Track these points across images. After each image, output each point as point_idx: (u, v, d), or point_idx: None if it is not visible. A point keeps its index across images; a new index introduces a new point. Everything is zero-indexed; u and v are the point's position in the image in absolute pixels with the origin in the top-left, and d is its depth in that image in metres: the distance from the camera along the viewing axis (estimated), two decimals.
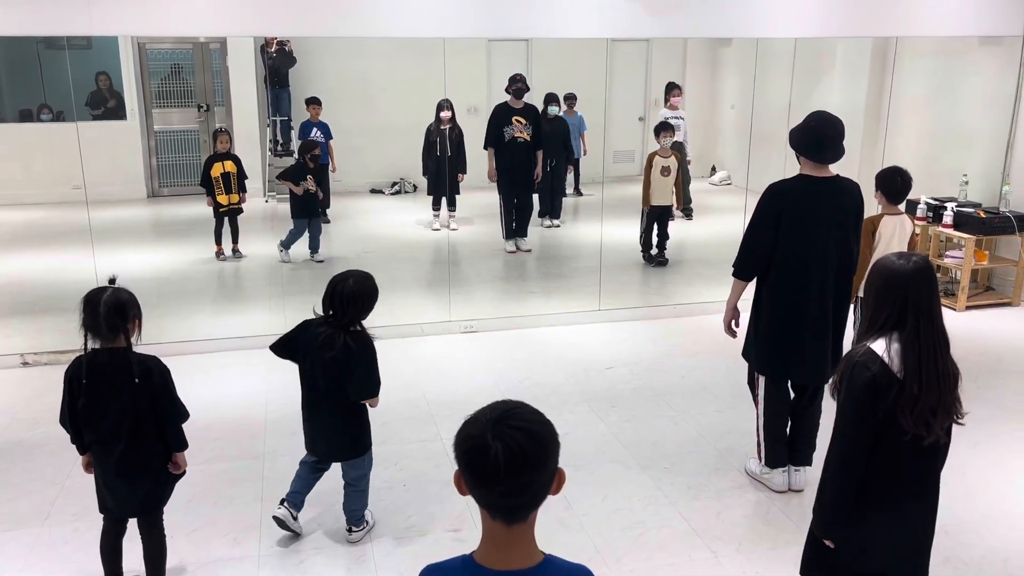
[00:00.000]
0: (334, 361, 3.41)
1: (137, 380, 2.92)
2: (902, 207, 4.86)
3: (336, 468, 3.74)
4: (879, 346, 2.39)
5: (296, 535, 3.69)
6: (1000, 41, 7.10)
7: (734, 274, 3.99)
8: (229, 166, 7.49)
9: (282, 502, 3.68)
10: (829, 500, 2.52)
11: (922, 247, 7.25)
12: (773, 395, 4.03)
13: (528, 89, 7.91)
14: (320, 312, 3.49)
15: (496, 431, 1.46)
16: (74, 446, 3.12)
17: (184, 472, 3.21)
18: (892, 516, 2.49)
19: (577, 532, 3.76)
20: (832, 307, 3.86)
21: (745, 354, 4.13)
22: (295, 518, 3.67)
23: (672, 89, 8.90)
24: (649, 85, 9.84)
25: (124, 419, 2.95)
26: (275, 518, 3.64)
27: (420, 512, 3.93)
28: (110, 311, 2.90)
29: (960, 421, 2.48)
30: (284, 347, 3.58)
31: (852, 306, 4.92)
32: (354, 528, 3.70)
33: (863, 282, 4.90)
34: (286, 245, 7.61)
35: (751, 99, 7.36)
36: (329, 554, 3.63)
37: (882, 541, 2.51)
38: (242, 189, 7.58)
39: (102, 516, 3.21)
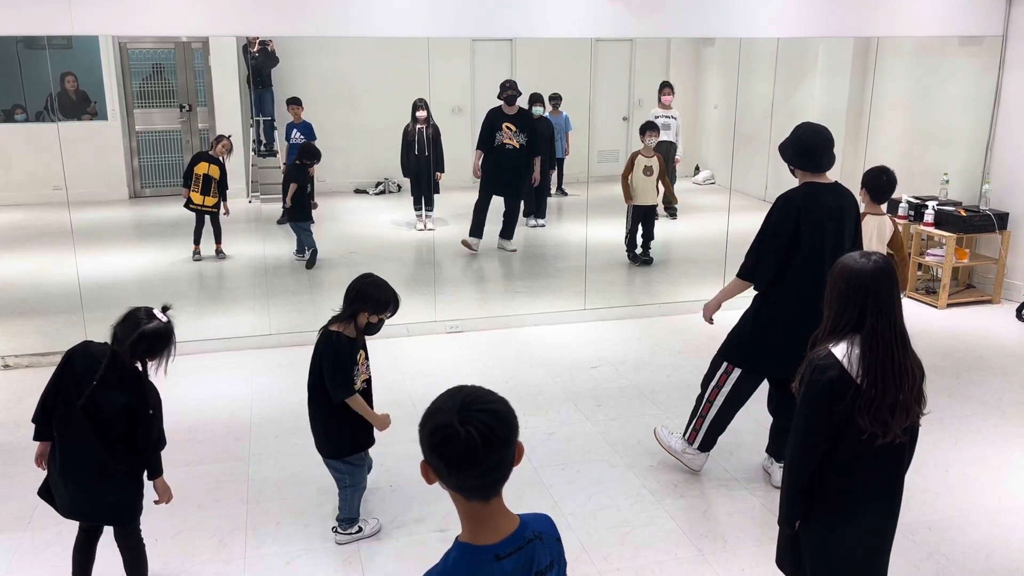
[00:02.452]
0: (316, 359, 3.56)
1: (150, 411, 2.95)
2: (884, 207, 4.89)
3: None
4: (840, 350, 2.41)
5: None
6: (980, 41, 7.17)
7: (742, 275, 3.99)
8: (213, 170, 7.44)
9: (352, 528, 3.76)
10: (783, 496, 2.60)
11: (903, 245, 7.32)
12: (741, 388, 4.06)
13: (519, 95, 7.89)
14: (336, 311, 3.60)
15: (463, 417, 1.54)
16: (35, 434, 3.07)
17: (163, 500, 3.18)
18: (853, 516, 2.51)
19: (564, 531, 3.73)
20: None
21: (726, 355, 4.12)
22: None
23: (664, 88, 8.91)
24: (633, 85, 9.85)
25: (113, 429, 2.93)
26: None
27: (406, 513, 3.92)
28: (141, 340, 2.91)
29: (918, 422, 2.48)
30: None
31: None
32: (339, 530, 3.70)
33: None
34: (309, 245, 7.59)
35: (734, 99, 7.40)
36: (315, 556, 3.62)
37: (846, 542, 2.54)
38: (222, 197, 7.53)
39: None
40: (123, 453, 2.99)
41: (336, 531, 3.70)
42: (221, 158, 7.50)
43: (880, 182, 4.73)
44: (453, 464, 1.54)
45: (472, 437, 1.52)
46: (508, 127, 7.85)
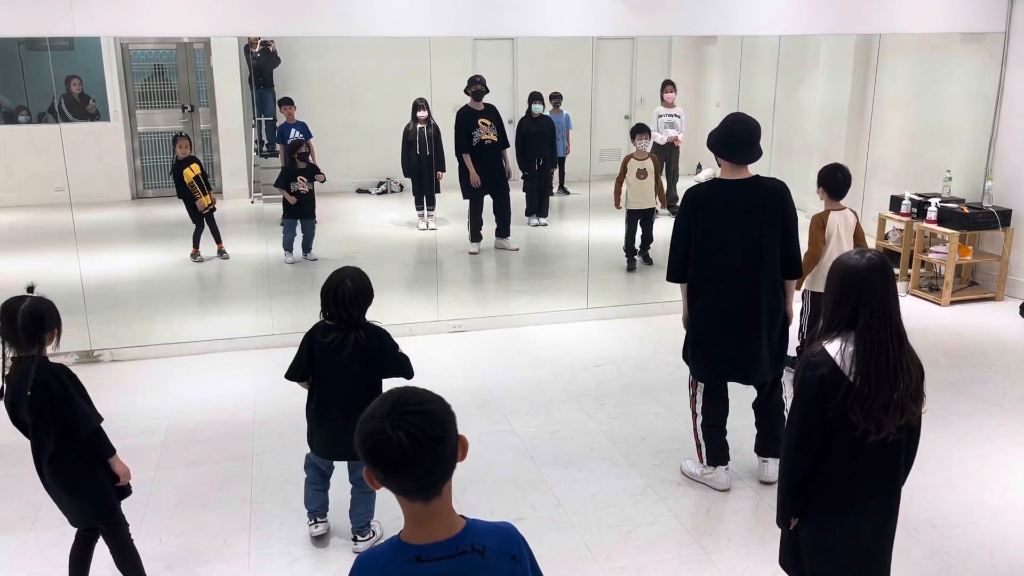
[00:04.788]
0: (350, 360, 3.40)
1: (29, 392, 2.84)
2: (843, 201, 5.00)
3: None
4: (833, 347, 2.40)
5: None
6: (982, 38, 7.15)
7: (667, 278, 4.03)
8: (196, 168, 7.45)
9: (316, 522, 3.69)
10: (779, 493, 2.59)
11: (906, 243, 7.32)
12: (710, 393, 4.05)
13: (487, 91, 7.85)
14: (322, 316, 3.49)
15: (393, 421, 1.52)
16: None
17: (128, 486, 3.13)
18: (849, 513, 2.51)
19: (567, 530, 3.77)
20: (759, 304, 3.84)
21: (684, 356, 4.15)
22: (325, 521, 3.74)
23: (667, 86, 8.88)
24: (634, 83, 9.85)
25: (36, 431, 2.90)
26: (316, 538, 3.69)
27: None
28: (27, 321, 2.86)
29: (916, 422, 2.46)
30: (298, 367, 3.53)
31: (801, 299, 5.02)
32: (359, 537, 3.66)
33: (810, 276, 5.03)
34: (285, 247, 7.60)
35: (736, 97, 7.38)
36: (319, 555, 3.62)
37: (843, 541, 2.54)
38: (209, 188, 7.54)
39: None
40: (77, 461, 2.97)
41: (356, 539, 3.66)
42: (190, 155, 7.45)
43: (836, 180, 4.89)
44: (388, 469, 1.53)
45: (402, 440, 1.50)
46: (484, 123, 7.81)
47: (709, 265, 3.81)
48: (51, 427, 2.90)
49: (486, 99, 7.86)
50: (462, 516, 1.63)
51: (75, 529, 3.16)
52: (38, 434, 2.92)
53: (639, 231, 7.74)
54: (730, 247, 3.76)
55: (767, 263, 3.80)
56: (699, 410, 4.08)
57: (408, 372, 3.52)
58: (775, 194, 3.80)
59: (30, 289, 2.99)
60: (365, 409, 3.37)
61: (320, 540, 3.67)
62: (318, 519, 3.69)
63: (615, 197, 7.62)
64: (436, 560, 1.57)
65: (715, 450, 4.11)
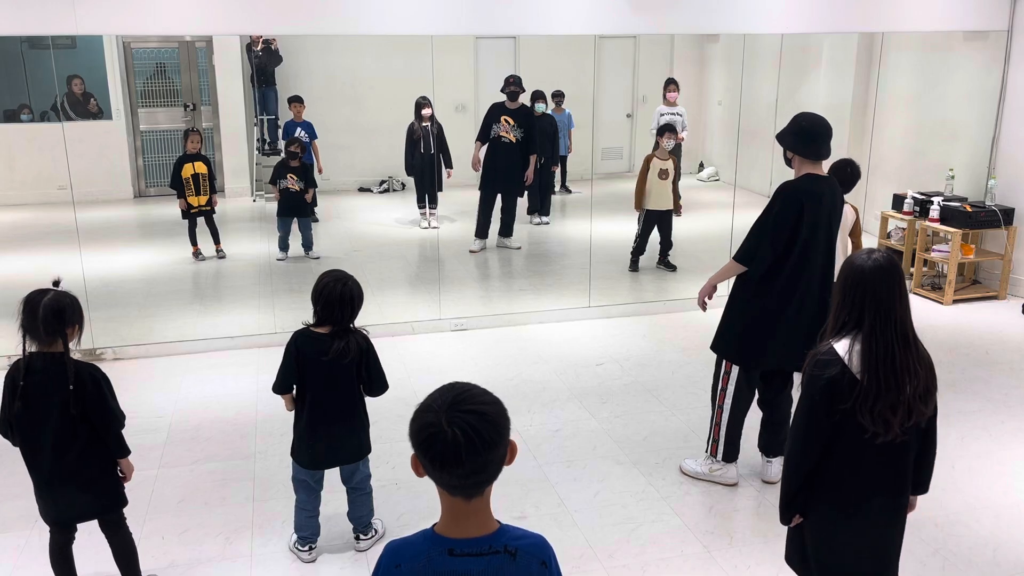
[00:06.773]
0: (350, 365, 3.39)
1: (72, 387, 2.86)
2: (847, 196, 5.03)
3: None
4: (842, 346, 2.40)
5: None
6: (985, 36, 7.14)
7: (739, 259, 3.93)
8: (200, 167, 7.41)
9: (310, 549, 3.59)
10: (782, 491, 2.59)
11: (908, 241, 7.31)
12: (743, 388, 4.05)
13: (522, 91, 7.89)
14: (310, 321, 3.44)
15: (450, 417, 1.53)
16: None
17: (127, 479, 3.15)
18: (855, 511, 2.51)
19: (569, 528, 3.77)
20: (826, 297, 3.89)
21: (716, 347, 4.13)
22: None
23: (669, 85, 8.88)
24: (637, 82, 9.84)
25: (60, 426, 2.90)
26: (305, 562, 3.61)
27: (413, 510, 3.93)
28: (48, 315, 2.86)
29: (920, 421, 2.45)
30: (288, 379, 3.49)
31: None
32: (362, 536, 3.67)
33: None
34: (279, 246, 7.61)
35: (739, 95, 7.38)
36: (322, 553, 3.62)
37: (848, 538, 2.54)
38: (212, 191, 7.51)
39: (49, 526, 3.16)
40: (94, 455, 2.99)
41: (359, 537, 3.66)
42: (199, 151, 7.45)
43: (845, 174, 4.95)
44: (437, 463, 1.55)
45: (457, 438, 1.51)
46: (506, 120, 7.85)
47: (793, 256, 3.82)
48: (78, 425, 2.92)
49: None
50: (496, 519, 1.64)
51: (78, 529, 3.16)
52: (63, 430, 2.91)
53: (656, 235, 7.61)
54: (814, 242, 3.82)
55: (832, 260, 3.92)
56: (728, 404, 4.07)
57: (378, 390, 3.50)
58: (842, 196, 4.03)
59: (56, 283, 2.98)
60: (353, 416, 3.31)
61: (312, 564, 3.60)
62: (311, 546, 3.61)
63: (636, 198, 7.50)
64: (468, 556, 1.59)
65: (733, 446, 4.12)
